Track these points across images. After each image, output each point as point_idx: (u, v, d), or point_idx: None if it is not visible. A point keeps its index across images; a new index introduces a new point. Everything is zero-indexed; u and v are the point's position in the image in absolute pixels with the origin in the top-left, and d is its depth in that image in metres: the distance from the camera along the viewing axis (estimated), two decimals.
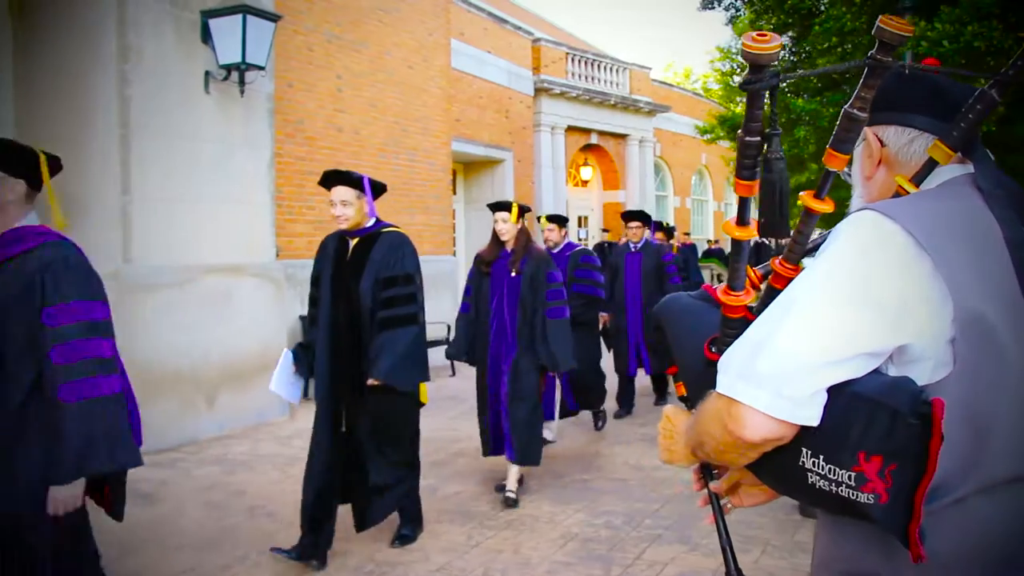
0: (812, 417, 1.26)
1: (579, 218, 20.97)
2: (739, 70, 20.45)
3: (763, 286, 1.57)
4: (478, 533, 5.08)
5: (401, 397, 4.63)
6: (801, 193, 1.40)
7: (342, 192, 4.62)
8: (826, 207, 1.38)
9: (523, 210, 5.78)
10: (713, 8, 12.29)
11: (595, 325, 8.21)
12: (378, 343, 4.54)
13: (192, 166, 7.42)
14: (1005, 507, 1.29)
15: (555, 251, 7.46)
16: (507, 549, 4.82)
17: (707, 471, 1.67)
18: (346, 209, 4.61)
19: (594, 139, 20.87)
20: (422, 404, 4.91)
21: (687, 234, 21.26)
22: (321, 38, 9.94)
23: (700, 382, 1.53)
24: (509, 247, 5.78)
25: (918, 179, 1.45)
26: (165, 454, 6.97)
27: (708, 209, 28.55)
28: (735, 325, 1.48)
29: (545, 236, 7.57)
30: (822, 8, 10.50)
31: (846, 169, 1.65)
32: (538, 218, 7.53)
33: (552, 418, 6.55)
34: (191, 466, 6.68)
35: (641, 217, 8.92)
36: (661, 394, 9.24)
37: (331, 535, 4.65)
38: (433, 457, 6.81)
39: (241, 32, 7.26)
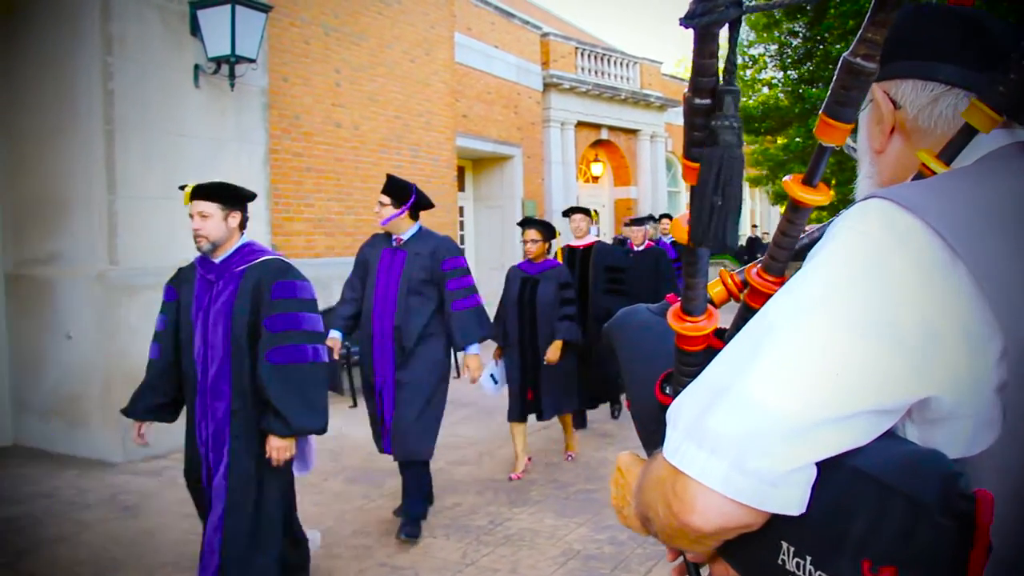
0: (792, 502, 0.86)
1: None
2: (751, 63, 20.07)
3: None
4: (474, 550, 4.77)
5: None
6: (785, 178, 0.98)
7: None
8: (820, 197, 0.95)
9: None
10: None
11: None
12: None
13: (181, 162, 7.14)
14: None
15: (220, 261, 3.77)
16: (503, 568, 4.51)
17: None
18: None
19: (604, 134, 20.52)
20: None
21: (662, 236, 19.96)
22: (318, 31, 9.64)
23: (653, 429, 1.14)
24: None
25: (949, 153, 1.03)
26: (152, 462, 6.71)
27: None
28: (693, 361, 1.07)
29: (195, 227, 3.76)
30: None
31: (850, 143, 1.25)
32: (182, 187, 4.17)
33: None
34: (177, 475, 6.35)
35: (393, 189, 5.03)
36: (409, 518, 5.01)
37: None
38: (432, 466, 6.50)
39: (230, 23, 6.97)
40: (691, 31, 0.82)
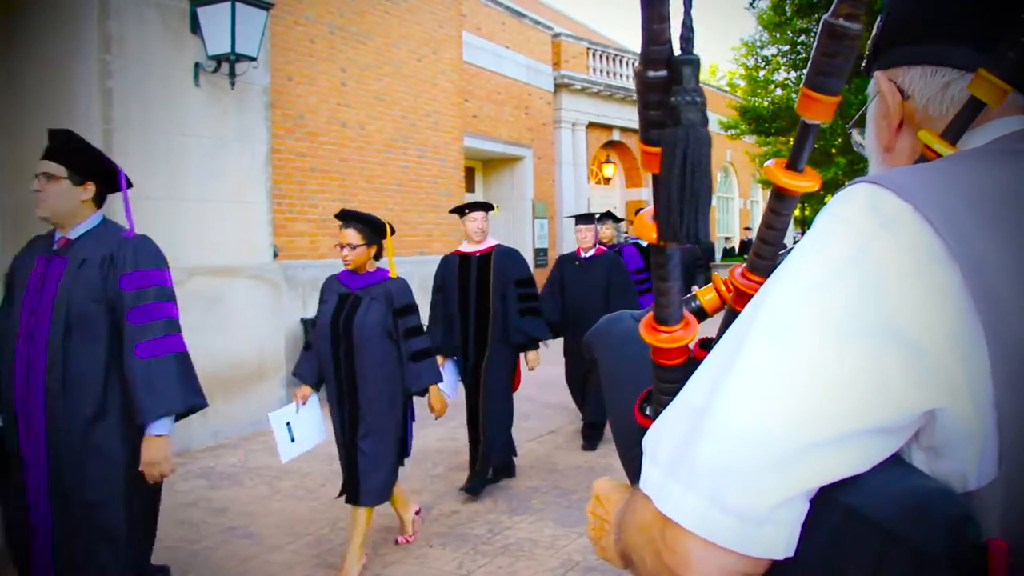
0: (777, 544, 0.74)
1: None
2: (763, 64, 19.86)
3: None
4: (470, 560, 4.64)
5: None
6: (767, 163, 0.85)
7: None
8: (807, 183, 0.82)
9: None
10: None
11: None
12: None
13: (180, 163, 7.05)
14: None
15: None
16: None
17: None
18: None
19: (616, 136, 20.40)
20: None
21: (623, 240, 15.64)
22: (323, 30, 9.54)
23: (634, 454, 0.99)
24: None
25: (955, 132, 0.91)
26: None
27: (734, 207, 28.07)
28: (672, 377, 0.92)
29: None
30: None
31: (858, 139, 1.12)
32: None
33: None
34: (176, 479, 6.29)
35: (66, 151, 3.37)
36: None
37: None
38: (431, 471, 6.39)
39: (230, 21, 6.87)
40: None
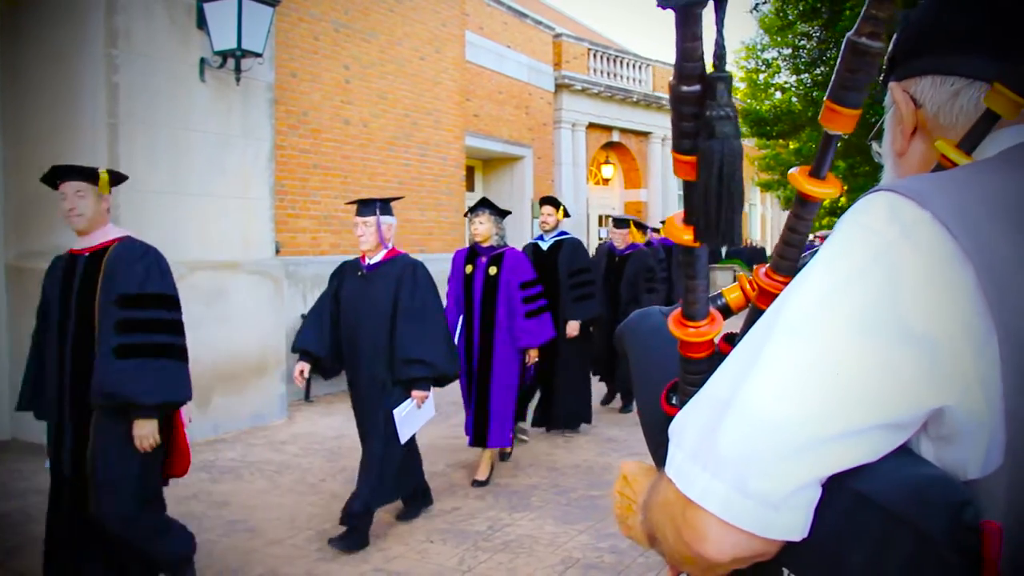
0: (793, 527, 0.81)
1: (599, 217, 20.54)
2: (764, 68, 19.91)
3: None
4: (471, 556, 4.68)
5: None
6: (792, 170, 0.92)
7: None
8: (829, 190, 0.89)
9: None
10: None
11: None
12: None
13: (185, 158, 7.07)
14: None
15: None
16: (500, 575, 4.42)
17: None
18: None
19: (616, 136, 20.43)
20: None
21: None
22: (328, 27, 9.57)
23: (661, 440, 1.05)
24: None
25: (970, 143, 0.96)
26: None
27: None
28: (698, 369, 1.00)
29: None
30: None
31: (876, 148, 1.20)
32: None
33: None
34: None
35: None
36: None
37: None
38: (432, 468, 6.42)
39: (237, 17, 6.89)
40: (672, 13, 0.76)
